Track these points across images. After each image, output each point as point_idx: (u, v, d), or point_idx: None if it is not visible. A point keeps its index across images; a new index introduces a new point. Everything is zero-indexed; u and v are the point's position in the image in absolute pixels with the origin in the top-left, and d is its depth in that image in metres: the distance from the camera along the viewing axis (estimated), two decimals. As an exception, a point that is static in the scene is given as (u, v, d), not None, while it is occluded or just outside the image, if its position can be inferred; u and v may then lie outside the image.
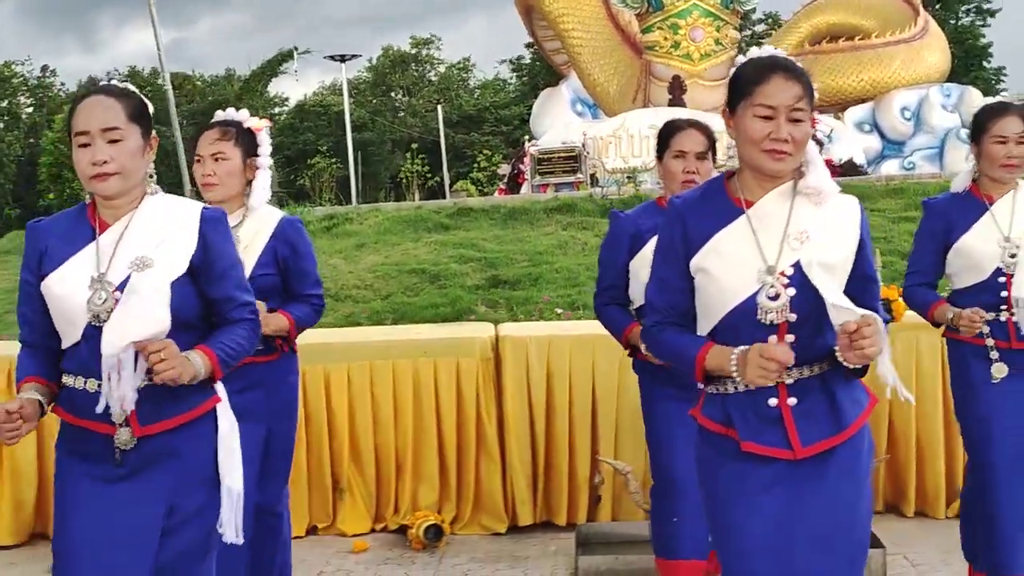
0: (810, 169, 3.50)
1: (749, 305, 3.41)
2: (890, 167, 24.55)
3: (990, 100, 5.47)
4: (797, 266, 3.41)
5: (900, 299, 7.18)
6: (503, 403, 6.98)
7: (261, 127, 5.12)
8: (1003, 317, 5.19)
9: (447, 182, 33.06)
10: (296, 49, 28.72)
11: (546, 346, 7.00)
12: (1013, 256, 5.18)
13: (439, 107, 42.81)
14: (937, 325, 5.45)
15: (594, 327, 5.81)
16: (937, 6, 49.42)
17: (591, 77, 25.09)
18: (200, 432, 3.60)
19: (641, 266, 4.97)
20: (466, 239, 13.42)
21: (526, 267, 12.28)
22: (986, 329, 5.20)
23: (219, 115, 5.17)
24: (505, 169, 24.80)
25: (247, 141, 5.03)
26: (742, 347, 3.36)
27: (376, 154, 57.95)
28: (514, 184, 22.39)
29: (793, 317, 3.40)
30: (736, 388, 3.48)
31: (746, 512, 3.45)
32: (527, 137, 24.01)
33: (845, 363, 3.36)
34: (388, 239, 13.60)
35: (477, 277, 12.09)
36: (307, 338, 7.36)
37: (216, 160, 4.95)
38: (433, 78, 64.34)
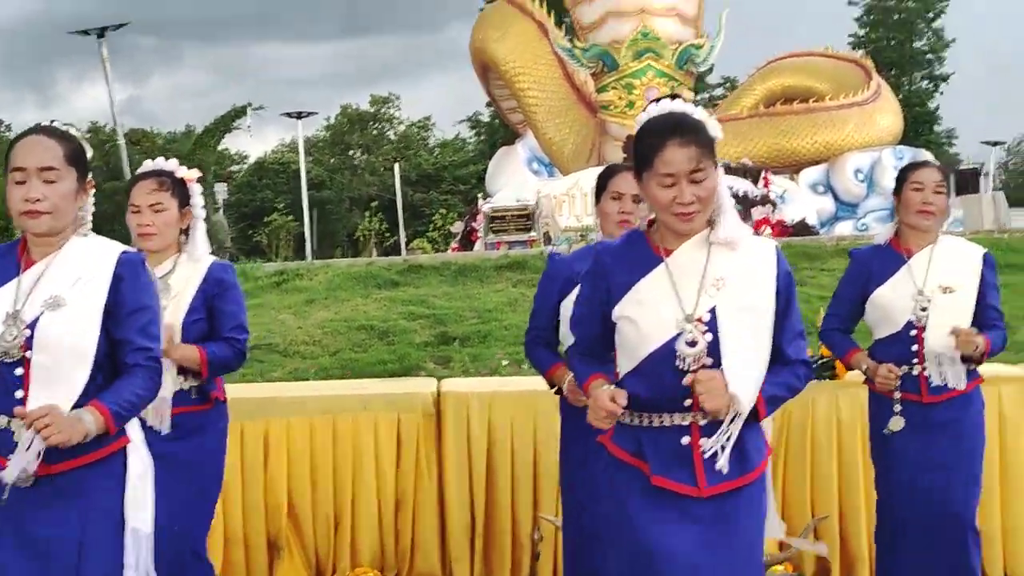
0: (720, 220, 3.64)
1: (668, 350, 3.57)
2: (844, 228, 24.75)
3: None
4: (714, 312, 3.56)
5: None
6: (444, 459, 6.90)
7: (192, 177, 5.20)
8: (915, 371, 5.38)
9: (403, 240, 33.20)
10: (250, 105, 28.68)
11: (488, 402, 6.94)
12: (924, 310, 5.35)
13: (396, 165, 42.81)
14: (851, 369, 5.74)
15: (537, 383, 5.78)
16: (891, 71, 50.03)
17: (546, 136, 25.20)
18: (108, 472, 3.60)
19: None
20: (416, 296, 13.36)
21: (475, 324, 12.22)
22: (897, 383, 5.39)
23: (148, 164, 5.22)
24: (458, 227, 24.81)
25: (181, 191, 5.11)
26: (607, 388, 3.60)
27: (334, 212, 57.92)
28: (467, 242, 22.42)
29: (709, 362, 3.55)
30: (651, 422, 3.64)
31: (647, 541, 3.57)
32: (481, 195, 24.05)
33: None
34: (338, 295, 13.51)
35: (426, 334, 12.01)
36: (247, 392, 7.32)
37: (155, 211, 5.02)
38: (392, 137, 64.45)
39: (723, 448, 3.54)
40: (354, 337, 12.02)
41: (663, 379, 3.58)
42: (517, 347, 11.27)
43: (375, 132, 63.82)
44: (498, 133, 50.71)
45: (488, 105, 53.80)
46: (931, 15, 55.91)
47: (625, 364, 3.69)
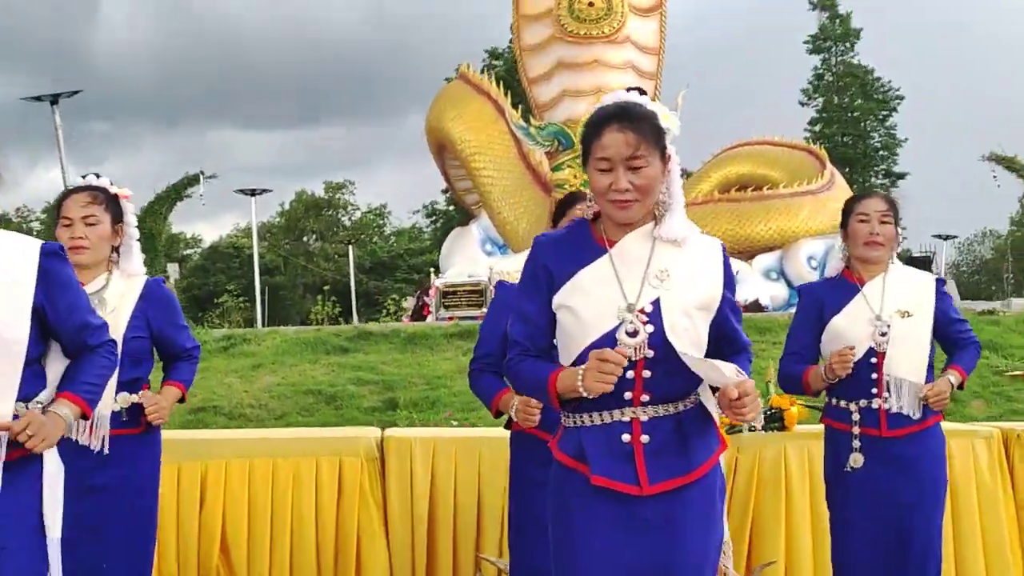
0: (668, 216, 3.58)
1: (608, 340, 3.46)
2: (796, 313, 24.73)
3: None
4: (657, 304, 3.48)
5: (792, 408, 7.13)
6: (387, 502, 6.77)
7: (127, 195, 5.13)
8: (875, 404, 5.28)
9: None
10: (202, 173, 28.56)
11: (431, 447, 6.83)
12: (884, 334, 5.27)
13: (351, 247, 42.89)
14: (815, 393, 5.54)
15: (481, 430, 5.70)
16: (846, 169, 50.65)
17: (501, 215, 25.19)
18: (26, 469, 3.52)
19: None
20: (365, 362, 13.27)
21: (424, 390, 12.16)
22: (856, 417, 5.29)
23: (80, 180, 5.14)
24: (410, 303, 24.75)
25: (115, 207, 5.03)
26: (592, 352, 3.41)
27: (287, 297, 57.79)
28: (419, 316, 22.35)
29: (651, 353, 3.47)
30: (592, 420, 3.52)
31: (590, 550, 3.46)
32: (434, 271, 24.02)
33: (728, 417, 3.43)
34: (286, 360, 13.41)
35: (374, 399, 11.95)
36: (186, 434, 7.18)
37: (87, 224, 4.92)
38: (347, 223, 64.53)
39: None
40: (301, 401, 11.93)
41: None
42: (466, 413, 11.20)
43: (330, 218, 63.88)
44: (453, 221, 50.91)
45: (444, 191, 54.06)
46: (883, 114, 56.82)
47: (564, 357, 3.57)
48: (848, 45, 56.75)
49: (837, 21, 56.32)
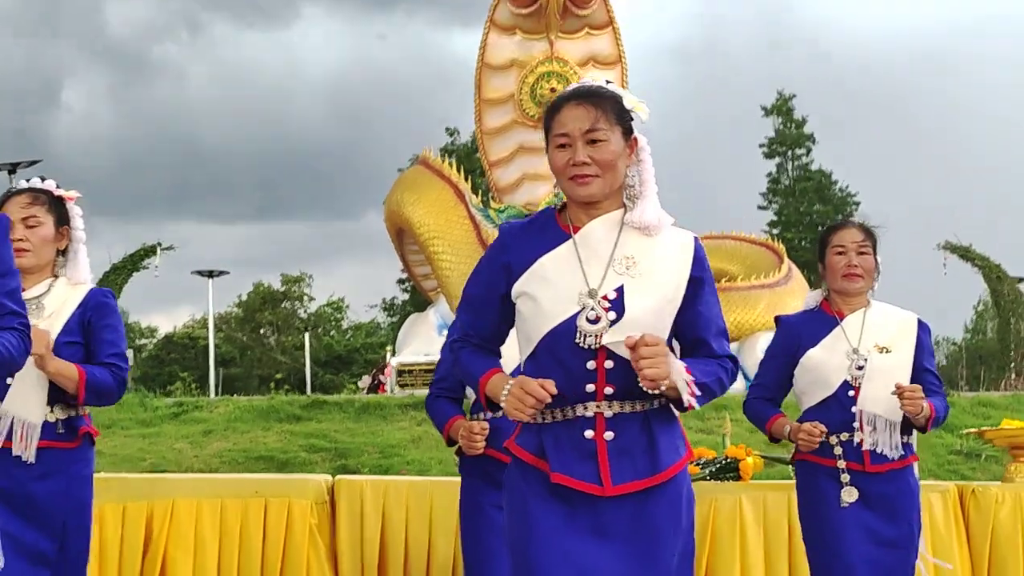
0: (639, 203, 3.47)
1: (568, 327, 3.34)
2: (752, 406, 24.76)
3: None
4: (620, 291, 3.35)
5: (748, 459, 7.08)
6: (337, 545, 6.66)
7: (72, 196, 4.89)
8: (856, 438, 5.08)
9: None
10: (159, 244, 28.39)
11: (382, 491, 6.74)
12: (860, 368, 5.10)
13: (307, 339, 42.70)
14: (775, 441, 5.35)
15: (433, 477, 5.62)
16: (805, 271, 50.95)
17: (457, 300, 25.16)
18: None
19: None
20: (318, 430, 13.18)
21: (377, 458, 12.09)
22: (838, 451, 5.08)
23: (23, 183, 4.92)
24: (365, 381, 24.60)
25: (59, 209, 4.80)
26: (518, 377, 3.31)
27: (243, 389, 57.37)
28: (374, 395, 22.20)
29: (613, 329, 3.31)
30: (553, 416, 3.37)
31: (550, 552, 3.30)
32: (389, 349, 23.92)
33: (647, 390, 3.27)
34: (238, 427, 13.29)
35: (326, 466, 11.84)
36: (134, 475, 7.06)
37: (28, 226, 4.67)
38: (303, 315, 64.33)
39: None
40: (252, 467, 11.83)
41: (564, 362, 3.34)
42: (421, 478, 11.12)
43: (286, 310, 63.69)
44: (411, 314, 50.90)
45: (400, 283, 54.09)
46: (840, 218, 57.37)
47: (524, 346, 3.46)
48: (805, 150, 57.37)
49: (792, 126, 56.95)
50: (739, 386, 24.21)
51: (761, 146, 57.00)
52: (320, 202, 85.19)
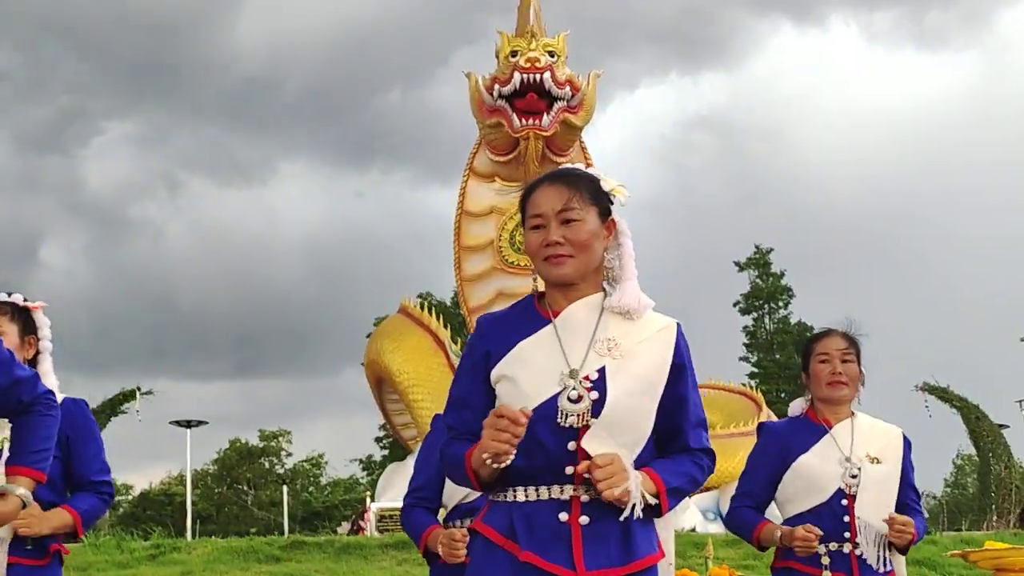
0: (619, 286, 3.45)
1: (549, 408, 3.28)
2: (733, 554, 24.61)
3: None
4: (603, 372, 3.31)
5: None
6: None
7: (38, 306, 4.90)
8: (846, 548, 4.98)
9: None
10: (139, 389, 28.25)
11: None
12: (855, 476, 5.01)
13: (284, 493, 42.25)
14: (763, 548, 5.24)
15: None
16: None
17: (439, 446, 25.03)
18: None
19: None
20: (298, 570, 13.02)
21: (358, 598, 11.91)
22: (826, 560, 4.97)
23: None
24: (345, 527, 24.35)
25: (24, 318, 4.80)
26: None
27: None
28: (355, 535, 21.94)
29: (594, 422, 3.26)
30: (526, 496, 3.30)
31: None
32: (369, 495, 23.70)
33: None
34: (216, 567, 13.10)
35: (305, 606, 11.67)
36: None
37: None
38: (281, 471, 63.71)
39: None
40: (230, 607, 11.63)
41: (542, 442, 3.26)
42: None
43: (264, 466, 63.11)
44: (391, 463, 50.54)
45: (378, 440, 53.85)
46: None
47: None
48: (782, 303, 57.61)
49: (769, 279, 57.25)
50: (719, 532, 24.05)
51: (736, 304, 57.22)
52: (297, 359, 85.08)
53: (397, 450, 37.65)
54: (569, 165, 3.57)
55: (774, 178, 78.93)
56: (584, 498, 3.26)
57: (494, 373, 3.39)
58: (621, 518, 3.23)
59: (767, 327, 58.24)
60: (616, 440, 3.27)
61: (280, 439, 63.39)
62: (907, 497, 5.15)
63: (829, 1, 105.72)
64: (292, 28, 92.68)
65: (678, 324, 3.50)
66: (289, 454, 63.82)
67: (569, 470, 3.26)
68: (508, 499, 3.32)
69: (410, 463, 25.74)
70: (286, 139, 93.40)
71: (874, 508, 4.98)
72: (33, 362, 4.78)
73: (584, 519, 3.25)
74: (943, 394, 31.64)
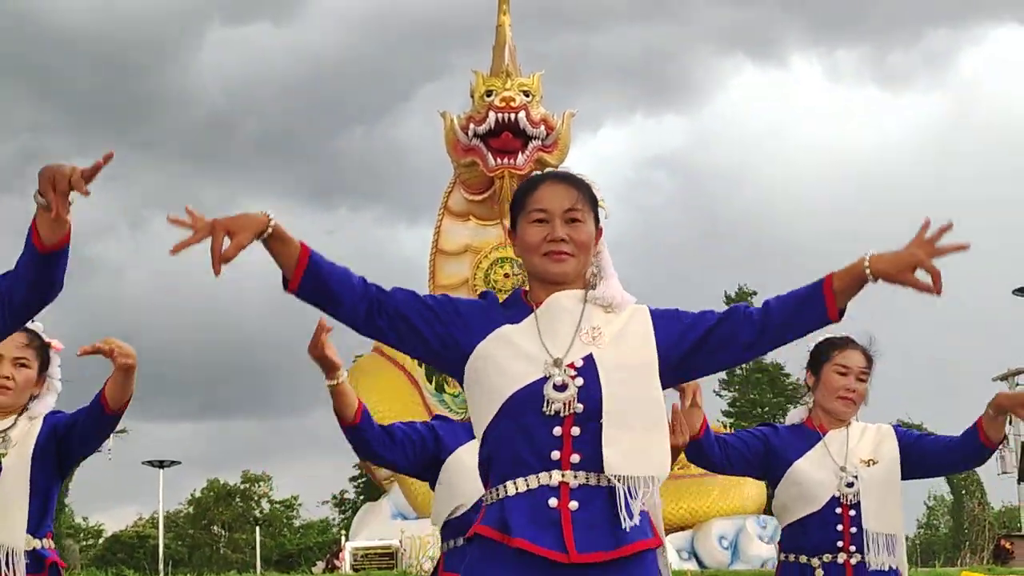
0: (602, 281, 3.47)
1: (534, 391, 3.29)
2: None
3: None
4: (589, 359, 3.33)
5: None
6: None
7: (59, 347, 4.91)
8: (840, 559, 4.93)
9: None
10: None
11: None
12: (850, 485, 4.95)
13: (257, 534, 42.03)
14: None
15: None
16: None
17: (413, 486, 24.94)
18: None
19: None
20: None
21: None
22: (820, 573, 4.94)
23: None
24: (319, 567, 24.23)
25: (45, 355, 4.83)
26: None
27: (192, 588, 56.18)
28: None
29: (580, 408, 3.28)
30: (516, 488, 3.29)
31: None
32: (343, 534, 23.61)
33: None
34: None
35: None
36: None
37: (17, 365, 4.70)
38: (257, 514, 63.35)
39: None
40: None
41: (528, 428, 3.27)
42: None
43: (240, 509, 62.73)
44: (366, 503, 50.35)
45: (352, 480, 53.63)
46: (791, 407, 57.44)
47: (485, 412, 3.34)
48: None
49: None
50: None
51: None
52: (265, 399, 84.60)
53: (371, 490, 37.46)
54: (566, 170, 3.58)
55: (736, 216, 79.16)
56: (573, 484, 3.27)
57: (476, 352, 3.36)
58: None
59: (742, 366, 58.37)
60: (631, 432, 3.29)
61: (263, 483, 62.97)
62: (930, 441, 5.14)
63: (791, 41, 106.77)
64: (252, 66, 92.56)
65: (649, 307, 3.51)
66: (266, 497, 63.40)
67: (555, 455, 3.27)
68: (500, 496, 3.31)
69: (384, 503, 25.79)
70: (249, 177, 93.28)
71: (880, 514, 4.92)
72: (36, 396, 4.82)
73: (573, 504, 3.25)
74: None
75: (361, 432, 4.88)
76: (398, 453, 4.98)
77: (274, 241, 3.26)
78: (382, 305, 3.35)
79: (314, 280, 3.30)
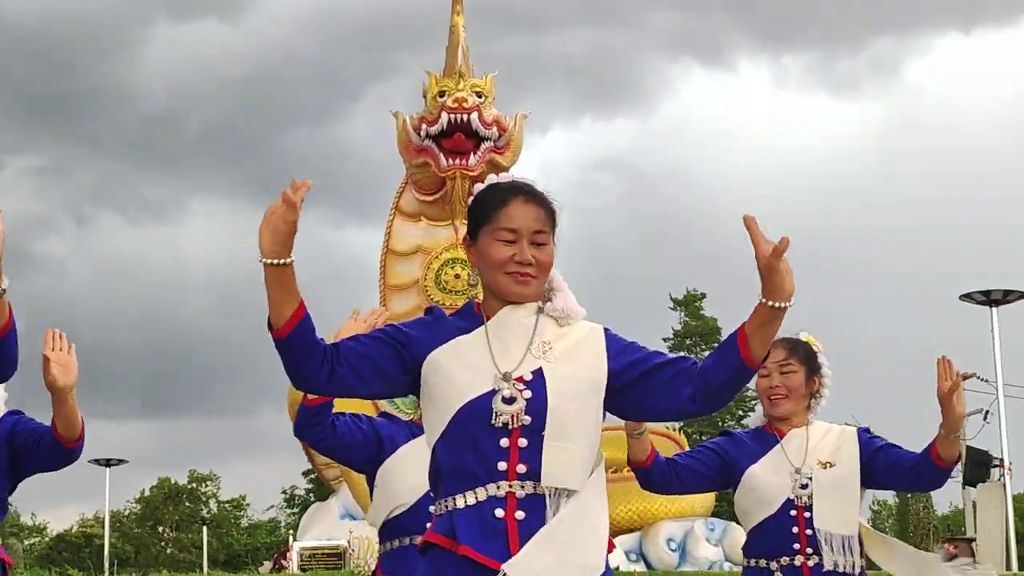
0: (557, 295, 3.48)
1: (483, 403, 3.32)
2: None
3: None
4: (539, 372, 3.35)
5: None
6: None
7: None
8: (797, 561, 4.93)
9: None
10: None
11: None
12: (804, 487, 4.96)
13: (204, 535, 41.83)
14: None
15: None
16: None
17: (361, 487, 24.78)
18: None
19: None
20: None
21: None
22: (779, 575, 4.93)
23: None
24: (267, 567, 24.13)
25: None
26: None
27: (138, 589, 55.81)
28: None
29: (528, 420, 3.30)
30: (464, 500, 3.31)
31: None
32: (292, 534, 23.54)
33: None
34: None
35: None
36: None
37: None
38: (205, 514, 62.96)
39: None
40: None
41: (476, 440, 3.30)
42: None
43: (188, 509, 62.33)
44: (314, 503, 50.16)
45: (305, 474, 53.37)
46: (740, 413, 57.60)
47: (438, 424, 3.37)
48: (713, 345, 57.76)
49: (701, 320, 57.48)
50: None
51: (666, 339, 57.29)
52: (209, 398, 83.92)
53: (322, 489, 37.39)
54: (530, 180, 3.55)
55: (684, 219, 79.34)
56: (520, 494, 3.29)
57: (428, 361, 3.38)
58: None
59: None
60: (572, 446, 3.32)
61: (210, 483, 62.59)
62: (896, 454, 5.08)
63: (740, 46, 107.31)
64: (198, 62, 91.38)
65: (604, 328, 3.53)
66: (219, 501, 63.00)
67: (502, 466, 3.30)
68: (449, 508, 3.33)
69: (333, 503, 25.73)
70: (194, 175, 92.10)
71: (833, 515, 4.92)
72: None
73: (520, 514, 3.28)
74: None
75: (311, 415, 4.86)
76: (338, 442, 4.98)
77: (285, 276, 3.27)
78: (338, 354, 3.33)
79: (299, 337, 3.27)
